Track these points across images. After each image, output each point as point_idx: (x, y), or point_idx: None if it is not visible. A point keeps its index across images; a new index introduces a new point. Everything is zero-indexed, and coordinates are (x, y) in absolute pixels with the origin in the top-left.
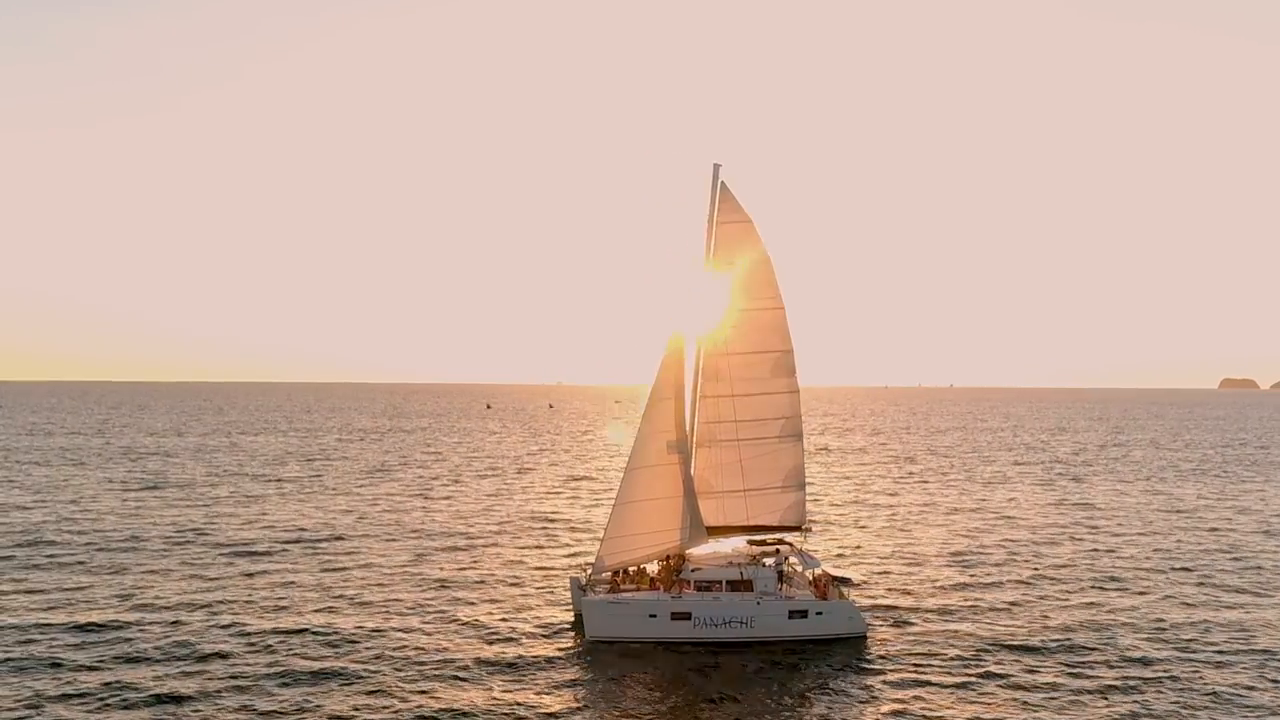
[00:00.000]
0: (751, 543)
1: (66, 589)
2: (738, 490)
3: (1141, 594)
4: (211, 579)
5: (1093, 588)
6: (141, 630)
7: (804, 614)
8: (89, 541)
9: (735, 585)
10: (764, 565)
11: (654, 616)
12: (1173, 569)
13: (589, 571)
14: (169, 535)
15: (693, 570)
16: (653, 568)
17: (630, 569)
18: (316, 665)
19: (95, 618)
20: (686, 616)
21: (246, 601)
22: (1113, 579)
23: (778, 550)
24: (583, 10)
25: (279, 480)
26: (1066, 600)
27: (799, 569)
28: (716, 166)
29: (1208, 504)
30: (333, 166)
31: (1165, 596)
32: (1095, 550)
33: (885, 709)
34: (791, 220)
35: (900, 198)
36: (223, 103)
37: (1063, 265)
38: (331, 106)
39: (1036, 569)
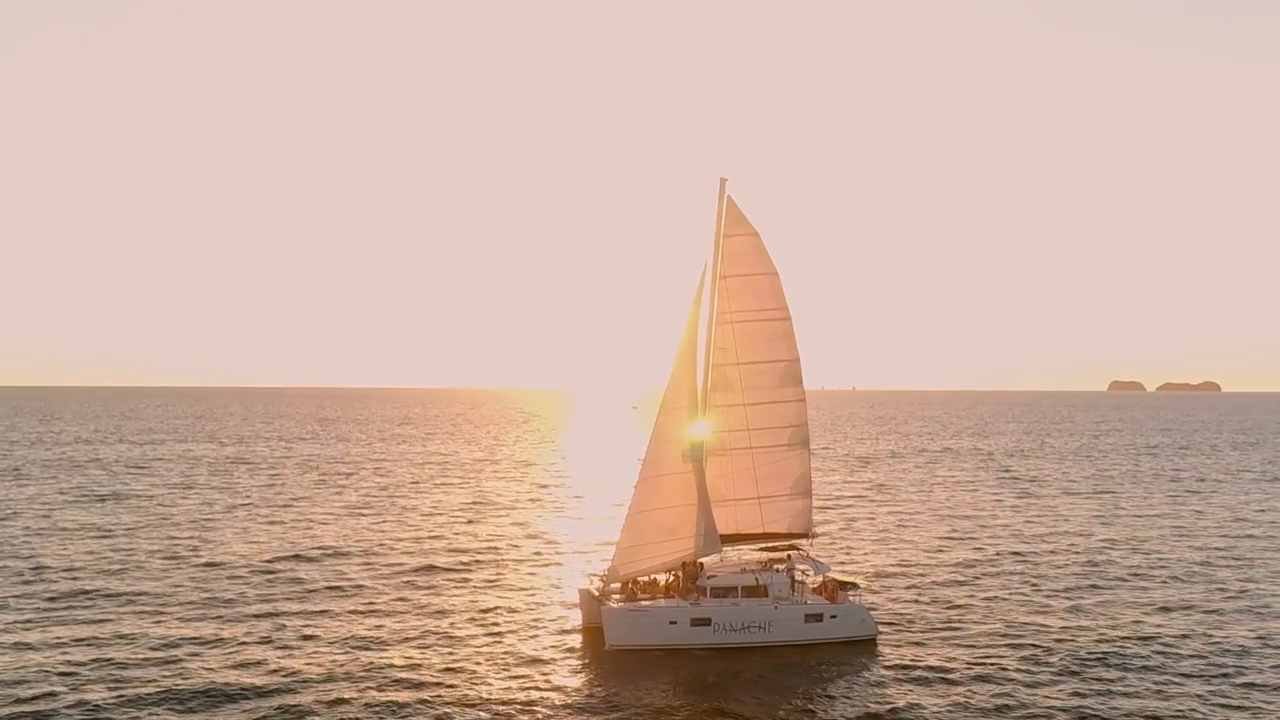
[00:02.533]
0: (763, 549)
1: (94, 622)
2: (750, 498)
3: (1143, 595)
4: (227, 602)
5: (1091, 591)
6: (186, 665)
7: (819, 618)
8: (86, 565)
9: (750, 591)
10: (776, 571)
11: (674, 623)
12: (1171, 575)
13: (598, 581)
14: (162, 553)
15: (709, 577)
16: (662, 576)
17: (642, 578)
18: (348, 703)
19: (115, 654)
20: (706, 622)
21: (274, 629)
22: (1116, 582)
23: (788, 556)
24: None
25: (237, 492)
26: (1061, 600)
27: (809, 574)
28: (723, 180)
29: (1180, 506)
30: (202, 161)
31: (1164, 598)
32: (1090, 554)
33: (901, 708)
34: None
35: (802, 202)
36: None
37: (955, 268)
38: (204, 92)
39: (1026, 569)
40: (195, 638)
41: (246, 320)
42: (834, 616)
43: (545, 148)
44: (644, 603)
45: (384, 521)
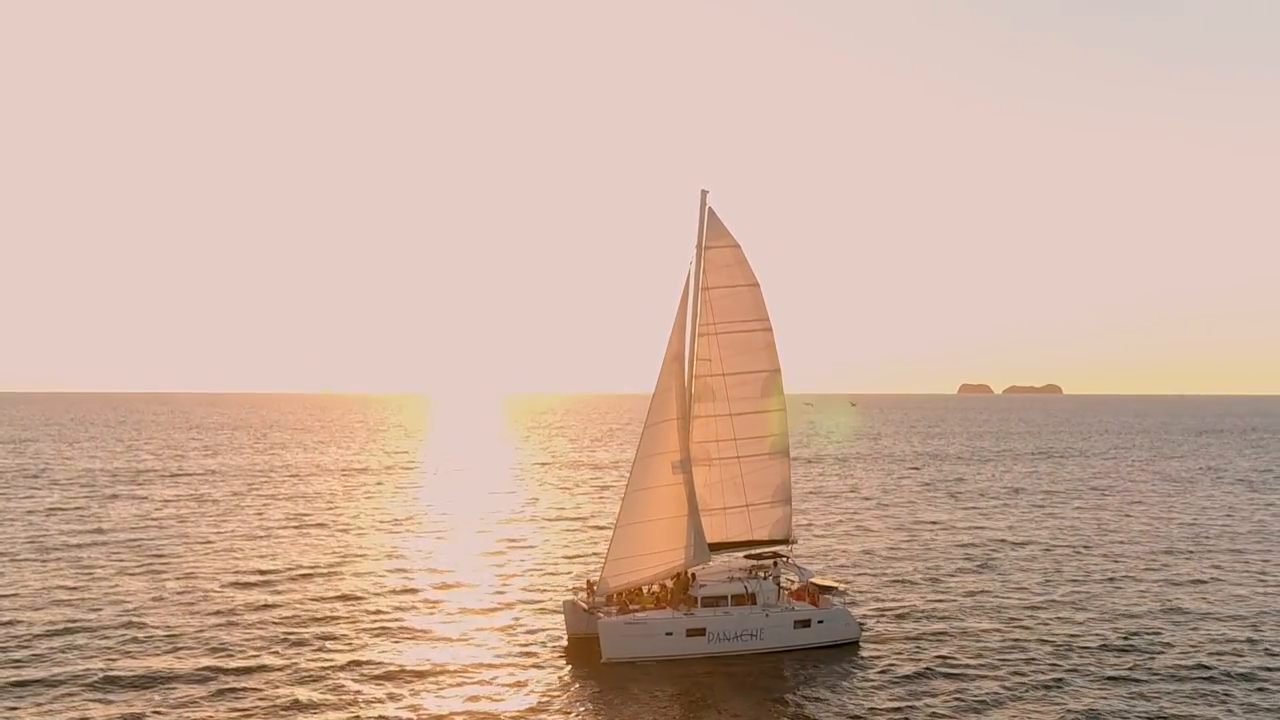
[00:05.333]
0: (748, 556)
1: (87, 657)
2: (736, 506)
3: (1118, 595)
4: (203, 629)
5: (1064, 591)
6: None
7: (807, 623)
8: (49, 593)
9: (739, 599)
10: (761, 578)
11: (670, 634)
12: (1137, 576)
13: (585, 593)
14: (121, 576)
15: (700, 586)
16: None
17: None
18: None
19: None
20: (701, 632)
21: (256, 660)
22: (1084, 583)
23: (774, 563)
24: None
25: (160, 503)
26: (1037, 600)
27: (792, 580)
28: (704, 193)
29: (1107, 508)
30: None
31: (1137, 598)
32: (1049, 555)
33: (893, 709)
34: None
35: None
36: None
37: (805, 269)
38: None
39: (994, 571)
40: (184, 674)
41: (78, 324)
42: (821, 621)
43: (420, 151)
44: (639, 615)
45: (338, 536)
